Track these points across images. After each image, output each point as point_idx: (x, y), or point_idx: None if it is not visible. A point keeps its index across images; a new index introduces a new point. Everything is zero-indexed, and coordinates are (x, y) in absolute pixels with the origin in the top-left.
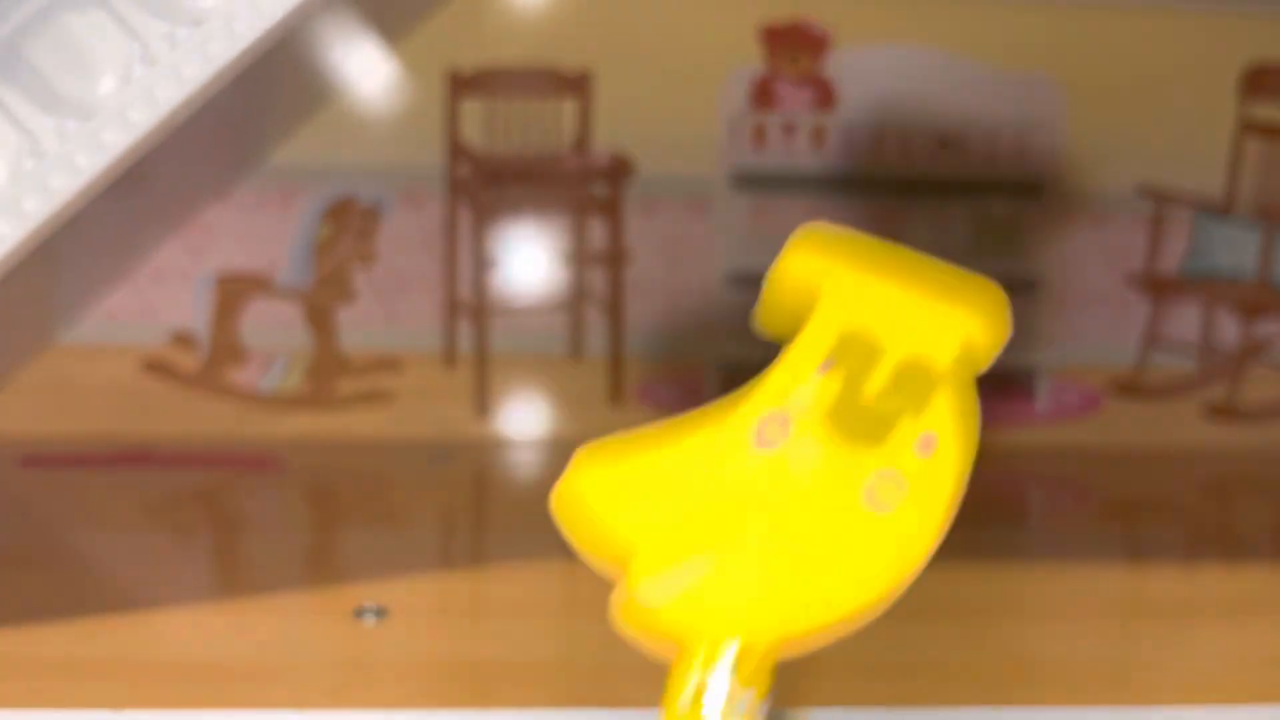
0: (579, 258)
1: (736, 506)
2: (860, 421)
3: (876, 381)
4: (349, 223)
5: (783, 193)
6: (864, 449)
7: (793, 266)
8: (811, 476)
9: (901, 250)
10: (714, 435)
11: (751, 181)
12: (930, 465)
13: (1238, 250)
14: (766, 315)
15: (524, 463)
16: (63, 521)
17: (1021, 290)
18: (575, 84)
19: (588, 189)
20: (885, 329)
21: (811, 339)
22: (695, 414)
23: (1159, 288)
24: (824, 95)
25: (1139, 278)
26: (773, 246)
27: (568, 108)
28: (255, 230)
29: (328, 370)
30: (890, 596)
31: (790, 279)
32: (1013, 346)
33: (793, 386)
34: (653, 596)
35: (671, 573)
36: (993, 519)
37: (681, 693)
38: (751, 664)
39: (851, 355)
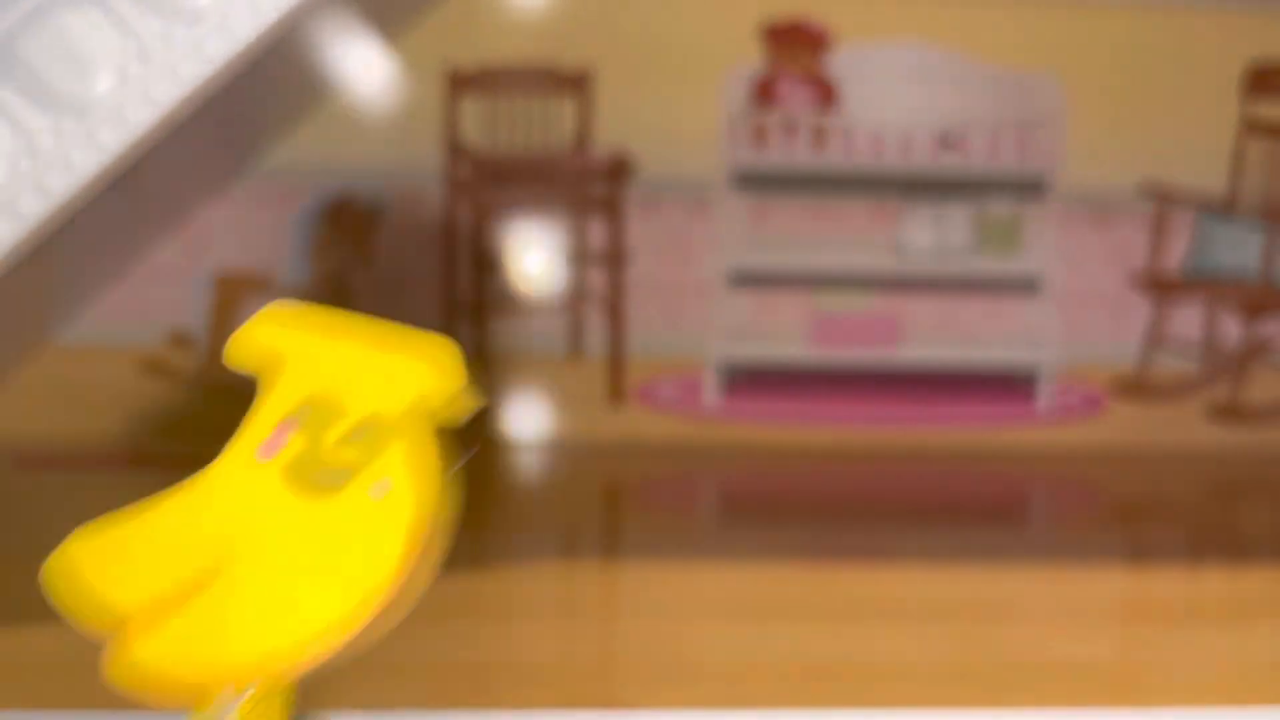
0: (579, 258)
1: (211, 557)
2: (319, 473)
3: (334, 436)
4: (347, 223)
5: (783, 192)
6: (325, 497)
7: (255, 341)
8: (279, 526)
9: (358, 319)
10: (192, 495)
11: (752, 181)
12: (384, 506)
13: (1240, 250)
14: (234, 363)
15: (524, 463)
16: (60, 522)
17: (1022, 290)
18: (575, 83)
19: (588, 188)
20: (344, 390)
21: (274, 404)
22: (178, 486)
23: (1161, 287)
24: (825, 94)
25: (1141, 277)
26: (773, 246)
27: (568, 107)
28: (253, 229)
29: None
30: (351, 626)
31: (253, 351)
32: (1014, 346)
33: (255, 447)
34: (147, 657)
35: (160, 632)
36: (995, 520)
37: None
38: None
39: (313, 415)
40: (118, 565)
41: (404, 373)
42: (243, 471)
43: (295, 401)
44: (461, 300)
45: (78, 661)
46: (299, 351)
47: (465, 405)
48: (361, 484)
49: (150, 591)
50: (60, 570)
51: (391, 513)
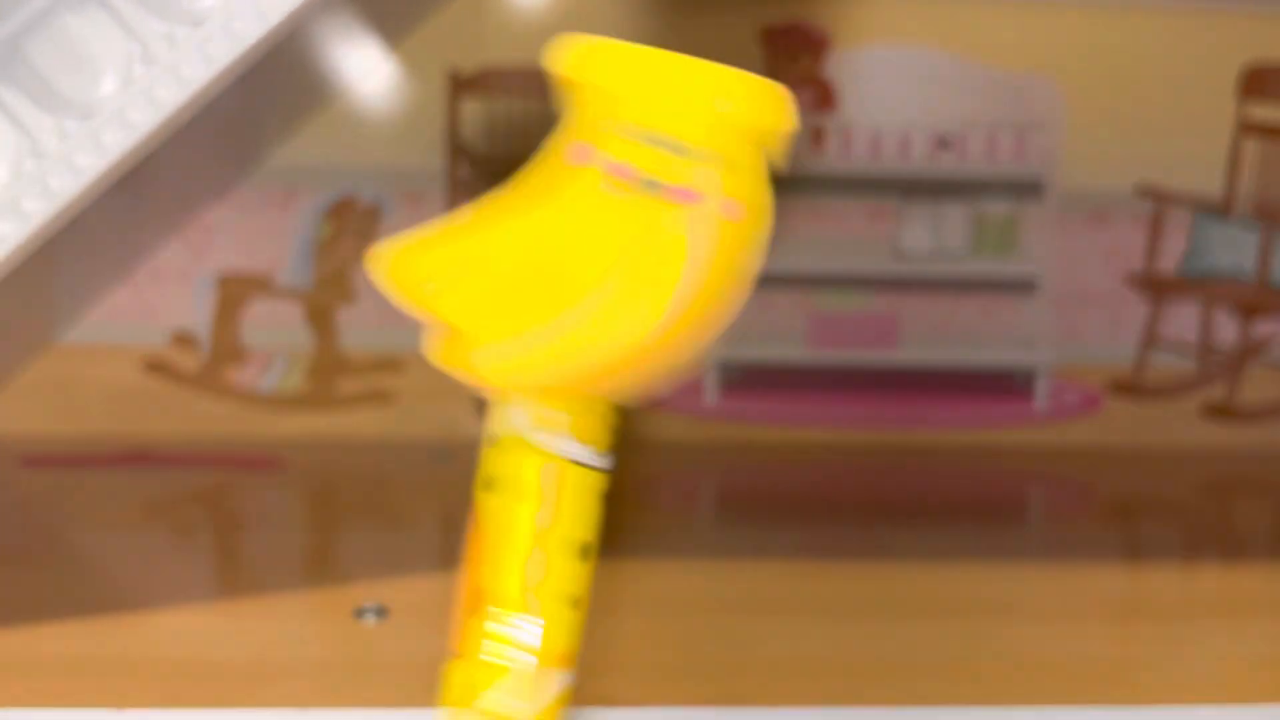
0: None
1: (543, 266)
2: (646, 186)
3: (661, 154)
4: (350, 222)
5: (782, 193)
6: (654, 210)
7: (572, 72)
8: (608, 237)
9: (674, 52)
10: (519, 205)
11: None
12: (715, 220)
13: (1236, 250)
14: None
15: None
16: (63, 521)
17: (1020, 290)
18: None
19: None
20: (671, 111)
21: (582, 131)
22: (500, 195)
23: (1158, 287)
24: (824, 96)
25: (1138, 278)
26: (772, 246)
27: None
28: (256, 230)
29: (328, 370)
30: (675, 336)
31: (571, 82)
32: (1012, 347)
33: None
34: (475, 357)
35: (487, 336)
36: (992, 518)
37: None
38: (582, 419)
39: (639, 136)
40: (446, 269)
41: (734, 98)
42: (569, 186)
43: (608, 123)
44: None
45: (79, 661)
46: (622, 73)
47: (785, 141)
48: (703, 200)
49: (479, 297)
50: (397, 270)
51: (724, 226)
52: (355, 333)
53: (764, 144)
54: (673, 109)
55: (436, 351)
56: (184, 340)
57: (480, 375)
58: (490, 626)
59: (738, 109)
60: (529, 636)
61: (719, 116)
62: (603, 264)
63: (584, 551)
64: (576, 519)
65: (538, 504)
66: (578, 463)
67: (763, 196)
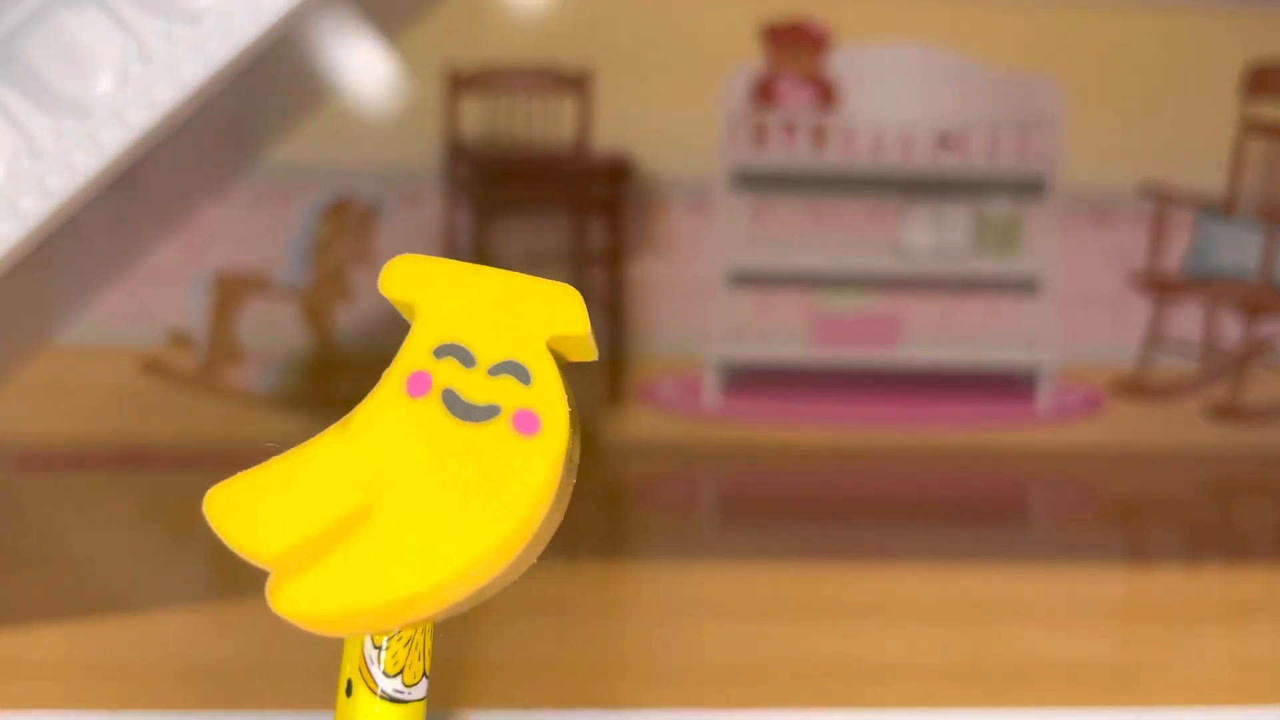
0: (579, 257)
1: (361, 496)
2: (463, 410)
3: (474, 377)
4: (347, 222)
5: (783, 192)
6: (468, 434)
7: (389, 294)
8: (425, 464)
9: (483, 268)
10: (343, 436)
11: (752, 181)
12: (529, 443)
13: (1240, 250)
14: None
15: None
16: (60, 522)
17: (1022, 290)
18: (575, 83)
19: (588, 188)
20: (476, 334)
21: (415, 347)
22: (331, 428)
23: (1161, 287)
24: (825, 94)
25: (1141, 277)
26: (773, 246)
27: (567, 107)
28: (253, 230)
29: (326, 370)
30: (500, 557)
31: (393, 301)
32: (1014, 347)
33: (397, 398)
34: (299, 597)
35: (311, 572)
36: (994, 520)
37: (343, 683)
38: (396, 642)
39: (451, 358)
40: (272, 507)
41: (533, 316)
42: (392, 410)
43: (431, 345)
44: None
45: (75, 663)
46: (431, 303)
47: (588, 350)
48: (504, 421)
49: (303, 532)
50: (219, 509)
51: (537, 449)
52: (353, 333)
53: (561, 350)
54: (466, 322)
55: (272, 601)
56: (181, 340)
57: (290, 613)
58: None
59: (529, 318)
60: None
61: (510, 327)
62: (422, 490)
63: None
64: None
65: None
66: (388, 697)
67: (562, 407)
